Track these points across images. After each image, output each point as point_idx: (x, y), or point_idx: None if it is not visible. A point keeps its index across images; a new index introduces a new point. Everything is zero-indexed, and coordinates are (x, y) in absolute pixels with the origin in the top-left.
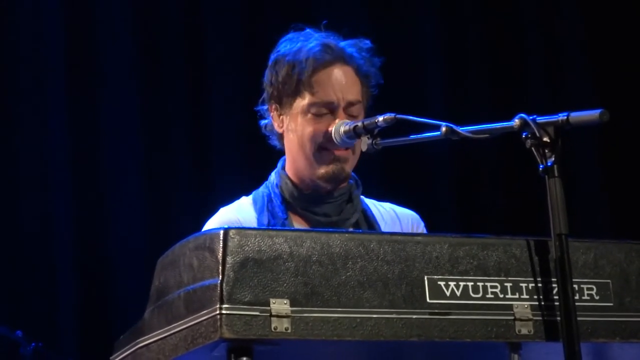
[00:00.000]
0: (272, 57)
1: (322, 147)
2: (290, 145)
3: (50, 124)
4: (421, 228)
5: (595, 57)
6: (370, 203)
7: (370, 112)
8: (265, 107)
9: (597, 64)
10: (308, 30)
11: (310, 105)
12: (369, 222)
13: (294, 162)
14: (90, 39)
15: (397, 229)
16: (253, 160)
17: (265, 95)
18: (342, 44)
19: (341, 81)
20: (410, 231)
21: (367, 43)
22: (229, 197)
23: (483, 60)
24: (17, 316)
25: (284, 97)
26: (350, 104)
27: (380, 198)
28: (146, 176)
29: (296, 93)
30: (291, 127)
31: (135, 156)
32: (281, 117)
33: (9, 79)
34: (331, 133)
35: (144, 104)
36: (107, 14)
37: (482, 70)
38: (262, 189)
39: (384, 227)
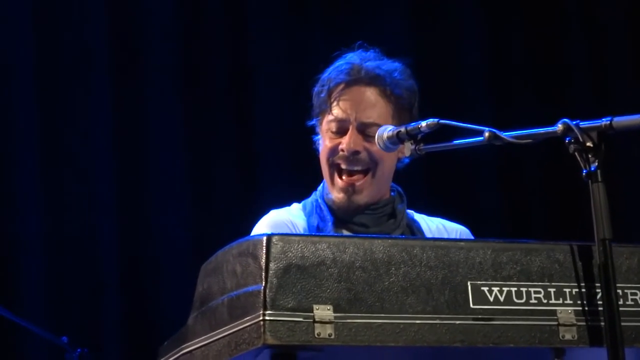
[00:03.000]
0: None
1: (332, 164)
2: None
3: (94, 137)
4: None
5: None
6: (420, 218)
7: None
8: (314, 122)
9: None
10: (353, 52)
11: (328, 122)
12: (413, 233)
13: None
14: (135, 47)
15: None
16: (298, 165)
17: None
18: (373, 65)
19: (358, 101)
20: None
21: (399, 65)
22: (273, 200)
23: (528, 65)
24: (62, 322)
25: (319, 115)
26: (363, 125)
27: (424, 207)
28: (191, 183)
29: (323, 111)
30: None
31: (180, 163)
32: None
33: (54, 91)
34: (342, 150)
35: (189, 111)
36: (151, 26)
37: (526, 75)
38: (311, 198)
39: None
